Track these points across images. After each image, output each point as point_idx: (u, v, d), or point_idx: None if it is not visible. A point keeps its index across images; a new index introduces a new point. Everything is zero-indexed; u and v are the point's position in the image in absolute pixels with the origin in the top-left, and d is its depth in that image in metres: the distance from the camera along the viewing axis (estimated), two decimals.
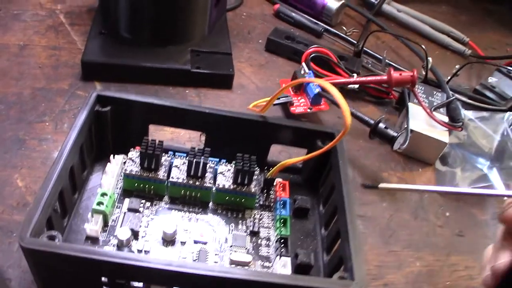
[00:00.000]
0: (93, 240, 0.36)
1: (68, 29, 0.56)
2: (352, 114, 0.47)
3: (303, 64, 0.52)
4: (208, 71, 0.52)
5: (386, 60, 0.62)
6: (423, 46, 0.58)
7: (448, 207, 0.47)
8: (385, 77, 0.50)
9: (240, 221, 0.39)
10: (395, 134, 0.44)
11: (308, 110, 0.50)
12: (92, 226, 0.36)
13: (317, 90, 0.50)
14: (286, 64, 0.59)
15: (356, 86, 0.54)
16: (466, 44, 0.73)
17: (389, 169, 0.49)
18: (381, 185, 0.31)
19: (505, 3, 0.85)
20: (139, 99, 0.40)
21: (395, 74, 0.49)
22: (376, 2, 0.73)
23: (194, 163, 0.38)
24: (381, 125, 0.45)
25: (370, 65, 0.62)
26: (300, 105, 0.50)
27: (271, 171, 0.40)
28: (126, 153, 0.40)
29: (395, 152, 0.52)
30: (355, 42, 0.64)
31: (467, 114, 0.56)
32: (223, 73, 0.52)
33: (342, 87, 0.54)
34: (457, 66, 0.60)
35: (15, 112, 0.46)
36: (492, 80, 0.61)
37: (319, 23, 0.66)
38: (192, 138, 0.47)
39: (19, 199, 0.39)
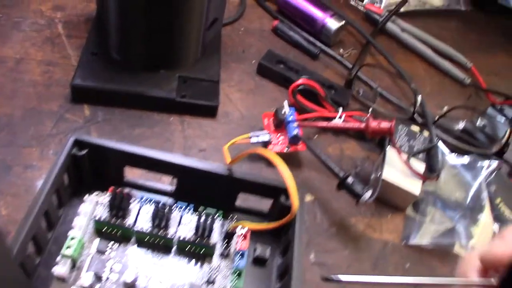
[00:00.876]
0: (62, 280, 0.39)
1: (65, 41, 0.58)
2: (323, 163, 0.48)
3: (285, 103, 0.52)
4: (193, 101, 0.53)
5: (378, 90, 0.62)
6: (412, 86, 0.58)
7: (410, 258, 0.49)
8: (362, 126, 0.50)
9: (199, 269, 0.41)
10: (361, 193, 0.45)
11: (285, 150, 0.51)
12: (61, 268, 0.39)
13: (296, 132, 0.51)
14: (275, 89, 0.60)
15: (340, 120, 0.55)
16: (468, 70, 0.71)
17: (358, 214, 0.51)
18: (342, 277, 0.33)
19: None
20: (114, 146, 0.42)
21: (373, 124, 0.50)
22: (380, 18, 0.72)
23: (159, 215, 0.40)
24: (349, 180, 0.46)
25: (361, 94, 0.62)
26: (278, 144, 0.52)
27: (232, 225, 0.42)
28: (102, 189, 0.43)
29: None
30: (350, 66, 0.64)
31: (449, 158, 0.56)
32: (208, 104, 0.53)
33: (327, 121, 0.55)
34: (445, 108, 0.60)
35: (5, 135, 0.48)
36: (480, 122, 0.60)
37: (317, 42, 0.66)
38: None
39: (2, 227, 0.42)
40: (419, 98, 0.57)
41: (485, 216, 0.53)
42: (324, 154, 0.48)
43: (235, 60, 0.62)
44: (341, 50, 0.67)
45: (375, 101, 0.61)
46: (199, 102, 0.53)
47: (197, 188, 0.44)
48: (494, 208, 0.54)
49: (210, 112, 0.54)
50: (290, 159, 0.53)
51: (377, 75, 0.66)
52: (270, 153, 0.39)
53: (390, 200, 0.52)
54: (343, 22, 0.66)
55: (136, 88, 0.52)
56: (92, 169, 0.43)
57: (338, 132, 0.57)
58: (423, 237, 0.51)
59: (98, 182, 0.43)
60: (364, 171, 0.55)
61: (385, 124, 0.49)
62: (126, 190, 0.43)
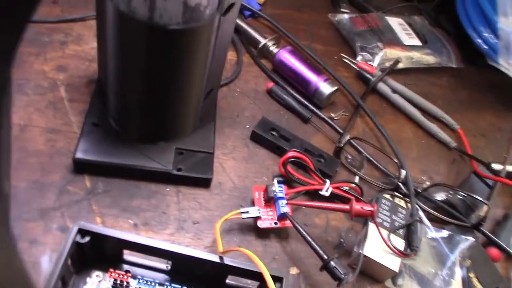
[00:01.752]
0: None
1: (67, 106, 0.60)
2: (308, 244, 0.51)
3: (275, 181, 0.55)
4: (188, 174, 0.56)
5: (366, 156, 0.65)
6: (396, 161, 0.61)
7: None
8: (347, 207, 0.53)
9: None
10: (342, 277, 0.49)
11: (274, 225, 0.54)
12: None
13: (284, 210, 0.54)
14: (267, 157, 0.63)
15: (327, 193, 0.58)
16: (455, 131, 0.74)
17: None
18: None
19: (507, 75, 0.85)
20: (114, 234, 0.45)
21: (356, 206, 0.53)
22: (371, 78, 0.75)
23: None
24: (332, 264, 0.49)
25: (349, 160, 0.65)
26: (268, 219, 0.55)
27: None
28: (103, 267, 0.46)
29: (350, 268, 0.56)
30: (341, 131, 0.67)
31: (429, 231, 0.60)
32: (202, 177, 0.56)
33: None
34: (427, 183, 0.63)
35: (12, 208, 0.51)
36: (455, 197, 0.63)
37: (309, 105, 0.69)
38: None
39: None
40: (403, 172, 0.60)
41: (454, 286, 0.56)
42: (310, 236, 0.51)
43: (229, 125, 0.65)
44: (332, 114, 0.70)
45: (362, 168, 0.65)
46: (194, 175, 0.56)
47: (190, 271, 0.47)
48: (467, 283, 0.57)
49: (204, 183, 0.57)
50: (279, 232, 0.56)
51: (367, 137, 0.69)
52: (250, 254, 0.43)
53: (370, 274, 0.56)
54: (336, 87, 0.69)
55: (135, 162, 0.55)
56: (94, 252, 0.47)
57: (325, 201, 0.60)
58: None
59: (100, 260, 0.47)
60: (348, 242, 0.58)
61: (367, 208, 0.52)
62: (126, 267, 0.46)
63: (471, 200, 0.64)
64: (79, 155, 0.54)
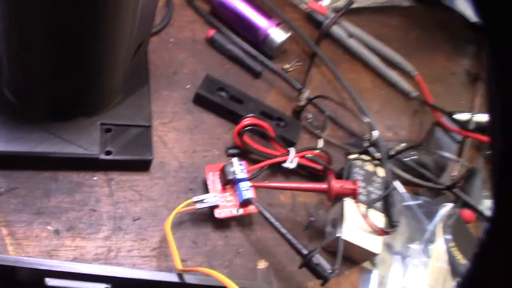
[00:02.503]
0: None
1: None
2: (286, 239, 0.42)
3: (234, 161, 0.45)
4: (121, 157, 0.43)
5: (328, 114, 0.56)
6: (366, 120, 0.52)
7: None
8: (324, 186, 0.44)
9: None
10: (327, 275, 0.40)
11: (236, 213, 0.44)
12: None
13: (248, 195, 0.44)
14: (217, 124, 0.51)
15: (292, 165, 0.49)
16: (413, 78, 0.67)
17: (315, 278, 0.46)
18: None
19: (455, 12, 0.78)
20: (21, 263, 0.33)
21: (336, 185, 0.44)
22: (324, 19, 0.64)
23: None
24: (314, 261, 0.41)
25: (309, 120, 0.56)
26: (227, 206, 0.44)
27: None
28: None
29: (324, 251, 0.49)
30: (297, 85, 0.57)
31: (405, 199, 0.53)
32: (140, 158, 0.44)
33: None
34: (402, 145, 0.55)
35: None
36: (425, 157, 0.57)
37: (259, 56, 0.57)
38: (98, 255, 0.40)
39: None
40: (376, 133, 0.52)
41: (435, 260, 0.51)
42: (283, 227, 0.42)
43: (166, 86, 0.51)
44: (285, 66, 0.59)
45: (325, 129, 0.55)
46: (129, 158, 0.44)
47: None
48: (448, 253, 0.52)
49: (142, 166, 0.45)
50: (241, 218, 0.46)
51: (325, 90, 0.60)
52: (220, 277, 0.33)
53: (349, 256, 0.48)
54: (289, 33, 0.57)
55: (47, 148, 0.41)
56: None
57: (289, 174, 0.51)
58: None
59: None
60: (318, 221, 0.50)
61: (349, 186, 0.44)
62: None
63: (441, 158, 0.58)
64: None
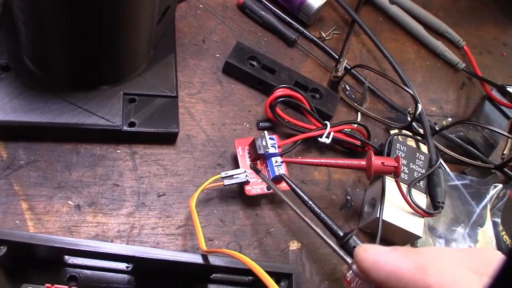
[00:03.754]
0: None
1: None
2: (320, 219, 0.39)
3: (265, 134, 0.41)
4: (146, 129, 0.41)
5: (368, 86, 0.52)
6: (410, 92, 0.48)
7: None
8: (363, 163, 0.41)
9: None
10: None
11: (266, 190, 0.41)
12: None
13: (280, 171, 0.41)
14: (247, 95, 0.48)
15: (328, 140, 0.45)
16: (461, 49, 0.62)
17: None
18: None
19: None
20: (41, 240, 0.30)
21: (376, 162, 0.40)
22: None
23: None
24: (351, 243, 0.37)
25: (347, 92, 0.52)
26: (258, 183, 0.41)
27: None
28: (39, 281, 0.32)
29: (361, 232, 0.45)
30: (336, 55, 0.53)
31: (449, 178, 0.49)
32: (165, 131, 0.41)
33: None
34: (449, 120, 0.51)
35: None
36: (474, 133, 0.52)
37: (294, 23, 0.53)
38: (121, 233, 0.38)
39: None
40: (419, 107, 0.48)
41: (482, 245, 0.47)
42: (317, 206, 0.39)
43: (194, 54, 0.48)
44: (322, 34, 0.55)
45: (364, 102, 0.51)
46: (154, 130, 0.41)
47: (160, 271, 0.34)
48: (497, 237, 0.48)
49: (168, 139, 0.42)
50: (272, 196, 0.43)
51: (365, 61, 0.56)
52: (245, 259, 0.30)
53: (388, 239, 0.45)
54: None
55: (68, 119, 0.39)
56: (18, 263, 0.32)
57: (324, 150, 0.48)
58: None
59: (32, 268, 0.33)
60: (355, 199, 0.46)
61: (390, 163, 0.40)
62: (70, 272, 0.33)
63: (491, 134, 0.53)
64: None
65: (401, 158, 0.41)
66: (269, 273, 0.33)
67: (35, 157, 0.39)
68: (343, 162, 0.41)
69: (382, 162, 0.40)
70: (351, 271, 0.31)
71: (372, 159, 0.40)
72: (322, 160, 0.42)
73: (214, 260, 0.33)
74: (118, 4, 0.35)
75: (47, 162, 0.39)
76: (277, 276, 0.34)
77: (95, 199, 0.39)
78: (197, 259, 0.33)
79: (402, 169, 0.44)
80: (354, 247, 0.37)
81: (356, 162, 0.41)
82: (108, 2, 0.35)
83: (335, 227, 0.38)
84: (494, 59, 0.65)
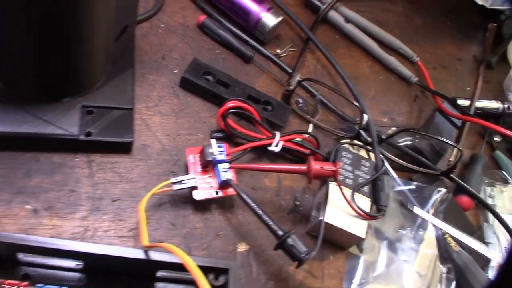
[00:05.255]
0: None
1: None
2: (259, 218, 0.41)
3: (212, 142, 0.44)
4: (101, 138, 0.44)
5: (320, 98, 0.55)
6: (356, 104, 0.51)
7: None
8: (304, 167, 0.44)
9: None
10: (302, 257, 0.40)
11: (214, 195, 0.44)
12: None
13: (226, 176, 0.43)
14: (204, 108, 0.51)
15: (277, 149, 0.48)
16: (415, 64, 0.66)
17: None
18: None
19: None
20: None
21: (315, 166, 0.43)
22: (321, 5, 0.63)
23: None
24: (289, 242, 0.40)
25: (300, 104, 0.55)
26: (206, 188, 0.44)
27: None
28: None
29: (308, 236, 0.48)
30: (288, 70, 0.56)
31: (395, 184, 0.52)
32: (120, 140, 0.44)
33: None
34: (393, 129, 0.54)
35: None
36: (422, 142, 0.55)
37: (250, 41, 0.57)
38: (75, 235, 0.41)
39: None
40: (365, 117, 0.51)
41: (425, 246, 0.50)
42: (259, 208, 0.41)
43: (153, 70, 0.52)
44: (277, 51, 0.58)
45: (316, 113, 0.55)
46: (109, 139, 0.44)
47: (110, 269, 0.37)
48: (439, 239, 0.50)
49: (123, 148, 0.45)
50: (222, 201, 0.46)
51: (319, 76, 0.59)
52: (175, 249, 0.33)
53: (333, 241, 0.47)
54: (281, 17, 0.57)
55: (29, 129, 0.42)
56: None
57: (275, 157, 0.50)
58: (368, 280, 0.47)
59: None
60: (304, 205, 0.49)
61: (329, 168, 0.43)
62: (24, 270, 0.35)
63: (439, 143, 0.56)
64: None
65: (340, 163, 0.44)
66: (205, 267, 0.36)
67: None
68: (285, 167, 0.44)
69: (321, 167, 0.43)
70: None
71: (312, 164, 0.43)
72: (266, 166, 0.45)
73: (159, 257, 0.36)
74: (73, 26, 0.39)
75: (9, 169, 0.42)
76: (214, 272, 0.37)
77: (52, 204, 0.41)
78: (138, 254, 0.35)
79: (346, 175, 0.47)
80: (292, 245, 0.40)
81: (297, 167, 0.44)
82: (63, 24, 0.38)
83: (275, 227, 0.41)
84: (448, 73, 0.68)
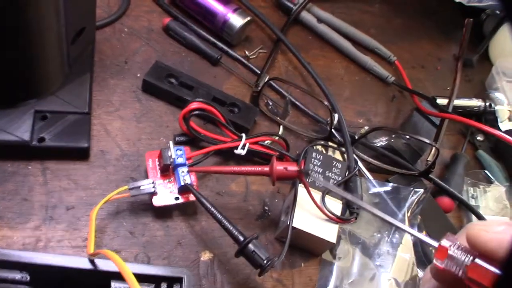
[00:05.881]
0: None
1: None
2: (218, 222, 0.39)
3: (170, 144, 0.42)
4: (55, 144, 0.42)
5: (290, 104, 0.53)
6: (326, 103, 0.49)
7: None
8: (266, 169, 0.41)
9: None
10: (263, 263, 0.37)
11: (174, 201, 0.42)
12: None
13: (186, 181, 0.41)
14: (167, 112, 0.49)
15: (244, 151, 0.46)
16: (392, 64, 0.64)
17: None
18: None
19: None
20: None
21: (278, 167, 0.41)
22: (293, 6, 0.61)
23: None
24: (250, 248, 0.38)
25: (270, 106, 0.53)
26: (166, 193, 0.42)
27: None
28: None
29: (278, 242, 0.46)
30: (258, 71, 0.54)
31: (370, 186, 0.49)
32: (75, 146, 0.42)
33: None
34: (366, 128, 0.52)
35: None
36: (399, 142, 0.53)
37: (218, 43, 0.55)
38: (26, 245, 0.38)
39: None
40: (336, 117, 0.49)
41: (402, 250, 0.47)
42: (219, 212, 0.39)
43: (114, 74, 0.50)
44: (246, 52, 0.56)
45: (286, 115, 0.53)
46: (63, 145, 0.42)
47: (58, 280, 0.35)
48: (418, 244, 0.48)
49: (79, 154, 0.43)
50: (184, 207, 0.44)
51: (291, 77, 0.57)
52: (113, 255, 0.30)
53: (303, 247, 0.45)
54: (249, 18, 0.55)
55: None
56: None
57: (243, 161, 0.48)
58: None
59: None
60: (273, 209, 0.47)
61: (292, 168, 0.41)
62: None
63: (416, 143, 0.54)
64: None
65: (303, 162, 0.41)
66: (157, 277, 0.33)
67: None
68: (247, 169, 0.42)
69: (284, 167, 0.41)
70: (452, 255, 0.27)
71: (274, 164, 0.41)
72: (227, 168, 0.42)
73: (110, 266, 0.34)
74: (21, 24, 0.37)
75: None
76: (167, 281, 0.34)
77: (2, 214, 0.39)
78: (84, 263, 0.33)
79: (316, 176, 0.45)
80: (254, 251, 0.38)
81: (260, 169, 0.42)
82: (10, 26, 0.37)
83: (236, 233, 0.39)
84: (427, 73, 0.66)
